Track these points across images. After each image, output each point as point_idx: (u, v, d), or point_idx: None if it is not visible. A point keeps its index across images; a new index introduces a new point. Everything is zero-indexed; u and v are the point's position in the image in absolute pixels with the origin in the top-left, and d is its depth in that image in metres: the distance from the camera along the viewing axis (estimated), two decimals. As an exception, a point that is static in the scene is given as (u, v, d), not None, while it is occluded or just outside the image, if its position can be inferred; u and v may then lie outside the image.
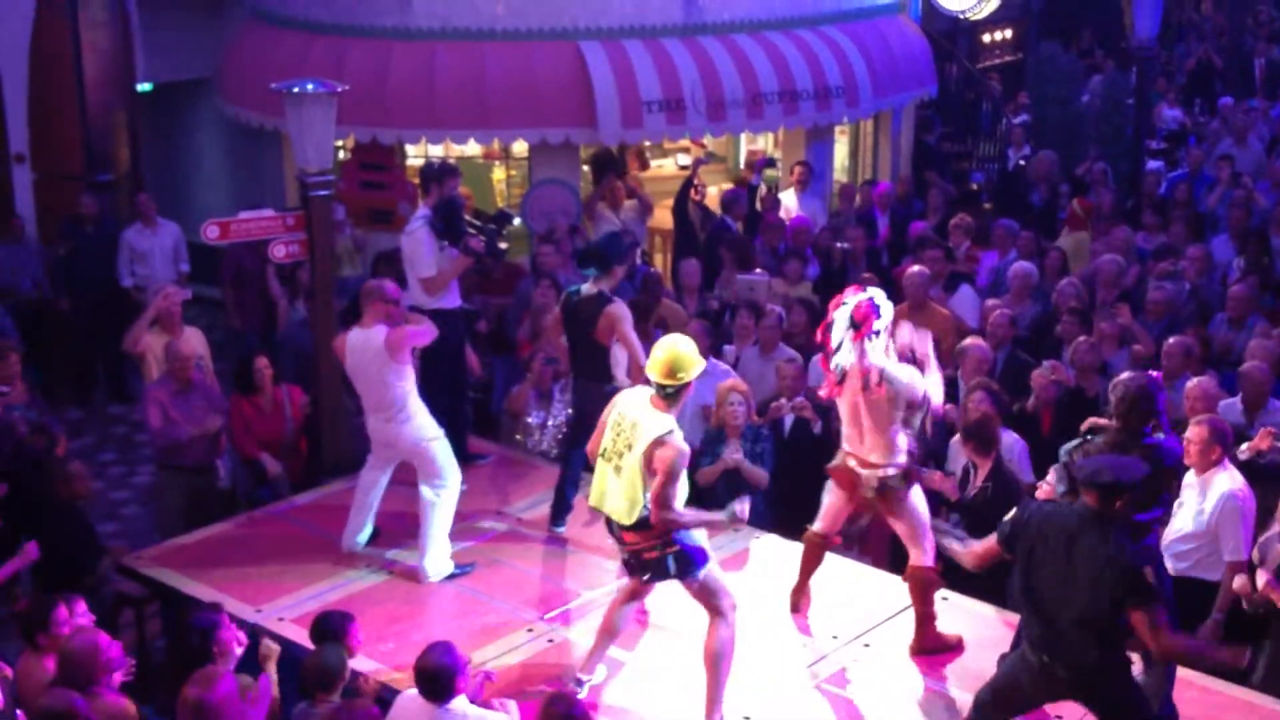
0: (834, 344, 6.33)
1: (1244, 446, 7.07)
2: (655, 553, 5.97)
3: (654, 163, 15.19)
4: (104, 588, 7.40)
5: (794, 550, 7.11)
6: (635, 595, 6.39)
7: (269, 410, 8.82)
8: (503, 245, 8.70)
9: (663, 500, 5.80)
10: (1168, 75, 20.16)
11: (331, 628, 6.01)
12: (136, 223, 12.01)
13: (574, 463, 7.69)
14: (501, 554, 7.68)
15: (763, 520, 7.86)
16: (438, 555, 7.37)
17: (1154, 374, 6.37)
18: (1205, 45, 21.41)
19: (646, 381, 6.03)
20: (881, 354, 6.27)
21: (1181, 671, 6.37)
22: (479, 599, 7.20)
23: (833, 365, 6.34)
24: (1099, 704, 5.46)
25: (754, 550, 7.64)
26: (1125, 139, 15.07)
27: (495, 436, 9.33)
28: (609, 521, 6.13)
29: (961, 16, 18.52)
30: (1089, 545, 5.20)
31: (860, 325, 6.25)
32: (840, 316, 6.32)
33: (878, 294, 6.39)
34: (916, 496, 6.50)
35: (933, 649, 6.63)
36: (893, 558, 7.14)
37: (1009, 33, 21.10)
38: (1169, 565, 6.94)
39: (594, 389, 7.31)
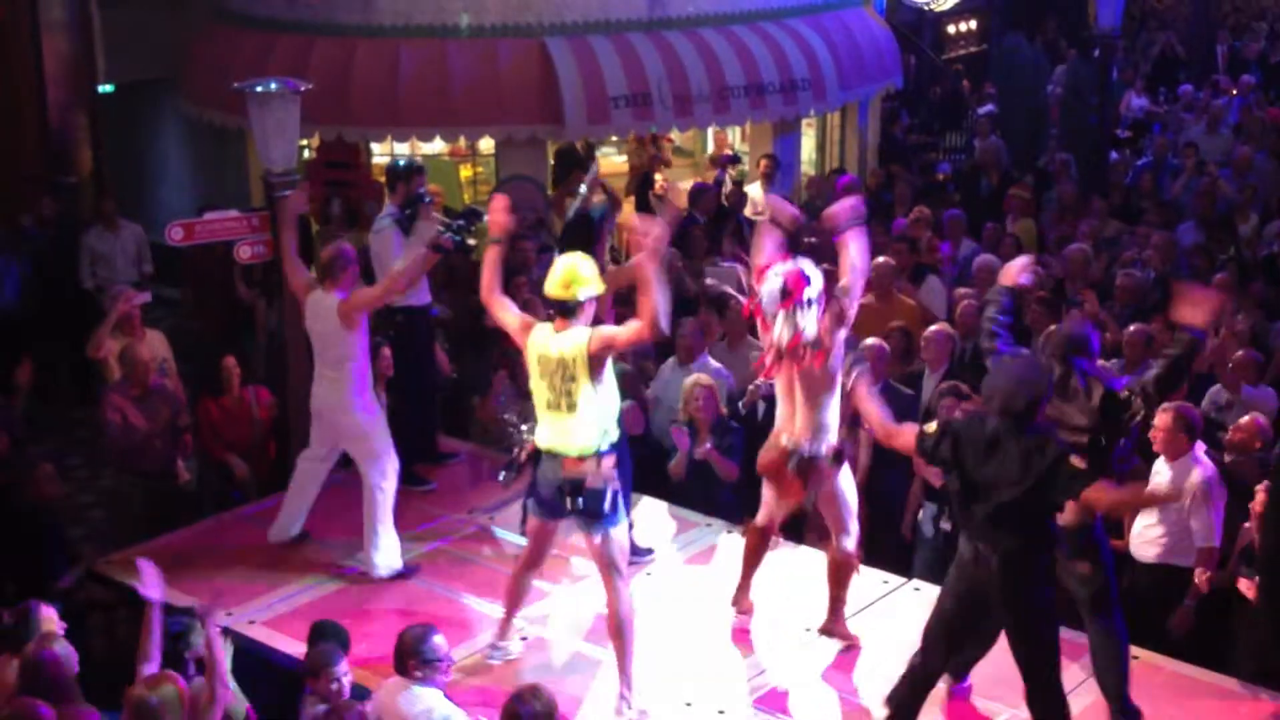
0: (767, 317, 6.18)
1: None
2: (599, 484, 5.92)
3: (619, 158, 15.19)
4: (76, 593, 7.31)
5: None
6: (532, 564, 6.45)
7: (236, 412, 8.75)
8: (471, 241, 8.65)
9: (632, 326, 5.82)
10: (1133, 64, 20.23)
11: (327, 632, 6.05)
12: (97, 225, 11.90)
13: None
14: (473, 553, 7.66)
15: (733, 514, 7.83)
16: (388, 548, 7.34)
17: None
18: (1168, 34, 21.50)
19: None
20: (814, 323, 6.10)
21: (1150, 655, 6.41)
22: (451, 597, 7.17)
23: (773, 338, 6.16)
24: (1014, 604, 5.50)
25: (725, 544, 7.61)
26: (1089, 128, 15.14)
27: (466, 436, 9.29)
28: (539, 454, 6.11)
29: (926, 8, 18.58)
30: (1013, 449, 5.34)
31: (790, 294, 6.07)
32: (769, 288, 6.17)
33: (806, 264, 6.23)
34: (845, 481, 6.47)
35: (836, 635, 6.68)
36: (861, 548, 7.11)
37: (973, 24, 21.18)
38: (1139, 552, 6.99)
39: None
